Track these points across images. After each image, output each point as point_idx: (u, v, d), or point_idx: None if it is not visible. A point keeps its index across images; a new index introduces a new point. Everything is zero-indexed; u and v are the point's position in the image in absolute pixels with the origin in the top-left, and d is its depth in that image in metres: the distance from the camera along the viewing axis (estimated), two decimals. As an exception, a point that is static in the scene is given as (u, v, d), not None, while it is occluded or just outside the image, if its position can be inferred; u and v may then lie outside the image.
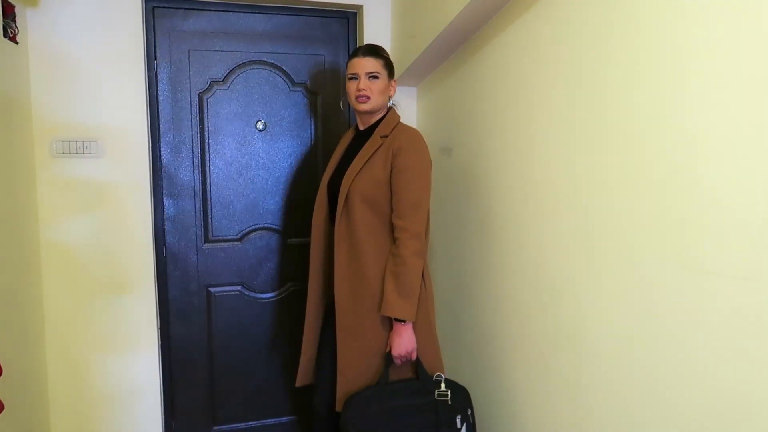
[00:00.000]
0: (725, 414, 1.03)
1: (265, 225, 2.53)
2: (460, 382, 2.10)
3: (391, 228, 1.79)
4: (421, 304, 1.82)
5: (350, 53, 2.15)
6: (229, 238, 2.49)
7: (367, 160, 1.83)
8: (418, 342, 1.81)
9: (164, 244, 2.40)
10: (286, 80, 2.50)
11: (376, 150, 1.82)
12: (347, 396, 1.80)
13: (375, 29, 2.49)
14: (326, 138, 2.57)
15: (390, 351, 1.78)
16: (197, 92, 2.40)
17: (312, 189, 2.58)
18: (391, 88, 1.92)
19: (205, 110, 2.41)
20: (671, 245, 1.14)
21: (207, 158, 2.43)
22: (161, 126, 2.36)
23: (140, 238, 2.26)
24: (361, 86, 1.83)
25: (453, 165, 2.17)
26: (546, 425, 1.61)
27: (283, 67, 2.49)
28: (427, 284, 1.87)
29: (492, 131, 1.87)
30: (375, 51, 1.88)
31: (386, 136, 1.84)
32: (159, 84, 2.35)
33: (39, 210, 2.14)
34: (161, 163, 2.37)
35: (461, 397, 1.81)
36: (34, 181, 2.12)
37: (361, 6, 2.47)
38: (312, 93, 2.54)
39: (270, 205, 2.53)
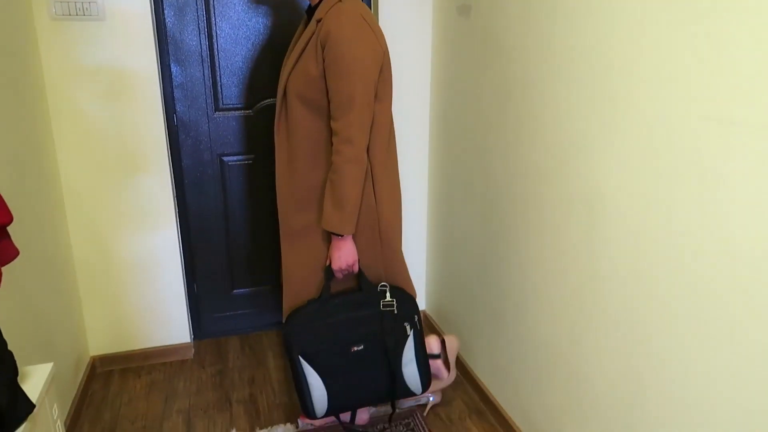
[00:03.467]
0: (745, 274, 1.03)
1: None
2: (472, 248, 2.14)
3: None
4: (367, 216, 1.73)
5: None
6: (240, 107, 2.44)
7: (302, 52, 1.63)
8: (364, 256, 1.76)
9: (174, 113, 2.37)
10: (293, -66, 2.32)
11: (309, 39, 1.61)
12: (291, 310, 1.79)
13: None
14: (337, -1, 2.43)
15: (330, 264, 1.73)
16: (198, -53, 2.24)
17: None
18: None
19: (208, -32, 2.27)
20: (694, 96, 1.08)
21: (213, 21, 2.32)
22: (163, -15, 2.24)
23: (150, 105, 2.22)
24: None
25: (471, 25, 2.05)
26: (557, 288, 1.64)
27: None
28: (380, 194, 1.74)
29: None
30: None
31: (320, 21, 1.59)
32: (157, -62, 2.19)
33: (45, 77, 2.09)
34: (165, 26, 2.27)
35: (408, 305, 1.79)
36: (36, 46, 2.05)
37: None
38: (321, -52, 2.35)
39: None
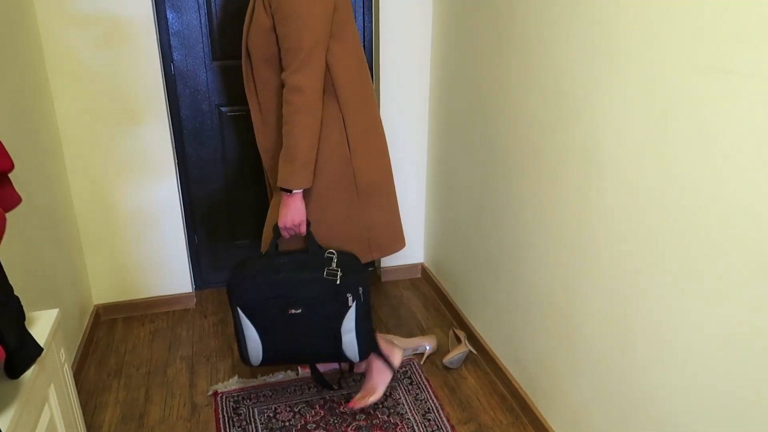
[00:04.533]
0: (738, 222, 1.04)
1: (275, 42, 2.42)
2: (469, 198, 2.14)
3: None
4: (340, 168, 1.66)
5: None
6: (238, 57, 2.40)
7: (254, 6, 1.57)
8: (336, 210, 1.70)
9: (172, 62, 2.33)
10: None
11: None
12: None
13: None
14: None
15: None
16: None
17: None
18: None
19: None
20: (694, 45, 1.06)
21: (209, -34, 2.26)
22: (157, -72, 2.17)
23: (146, 53, 2.19)
24: None
25: (473, -27, 2.00)
26: (552, 238, 1.65)
27: None
28: (354, 143, 1.66)
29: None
30: None
31: None
32: None
33: (39, 24, 2.05)
34: (160, -28, 2.22)
35: (354, 276, 1.68)
36: (28, -10, 2.00)
37: None
38: None
39: (278, 21, 2.40)
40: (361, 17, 2.46)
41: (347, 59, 1.61)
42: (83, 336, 2.25)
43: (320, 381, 1.95)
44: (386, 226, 1.82)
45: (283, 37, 1.50)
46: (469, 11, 2.05)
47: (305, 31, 1.48)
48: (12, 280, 1.50)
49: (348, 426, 1.87)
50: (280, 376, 2.10)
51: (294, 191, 1.59)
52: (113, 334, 2.40)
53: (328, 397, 2.00)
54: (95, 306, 2.47)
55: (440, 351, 2.25)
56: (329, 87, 1.61)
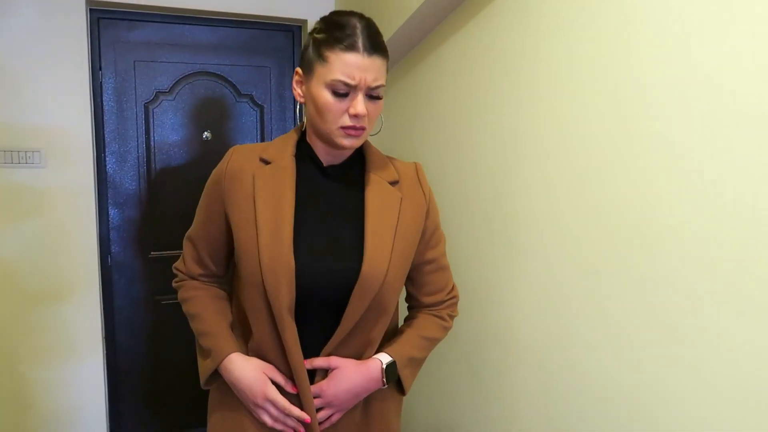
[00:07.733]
0: (633, 409, 1.09)
1: (213, 233, 2.55)
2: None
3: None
4: None
5: (328, 35, 1.00)
6: (178, 250, 2.50)
7: (397, 227, 1.10)
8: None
9: (109, 254, 2.39)
10: (232, 91, 2.55)
11: (400, 208, 1.12)
12: None
13: (319, 42, 2.56)
14: (273, 147, 2.62)
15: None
16: (143, 102, 2.41)
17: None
18: None
19: (152, 120, 2.43)
20: (579, 250, 1.21)
21: (153, 168, 2.44)
22: (106, 135, 2.37)
23: (84, 246, 2.25)
24: (360, 110, 1.00)
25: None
26: (475, 422, 1.65)
27: (229, 78, 2.54)
28: None
29: (431, 138, 1.92)
30: (380, 45, 1.02)
31: (397, 182, 1.14)
32: (104, 93, 2.36)
33: (-22, 220, 2.11)
34: (106, 173, 2.37)
35: None
36: (-27, 191, 2.08)
37: (306, 20, 2.56)
38: (258, 104, 2.59)
39: (217, 214, 2.55)
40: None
41: None
42: None
43: None
44: None
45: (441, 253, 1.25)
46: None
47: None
48: None
49: None
50: None
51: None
52: None
53: None
54: None
55: None
56: None
